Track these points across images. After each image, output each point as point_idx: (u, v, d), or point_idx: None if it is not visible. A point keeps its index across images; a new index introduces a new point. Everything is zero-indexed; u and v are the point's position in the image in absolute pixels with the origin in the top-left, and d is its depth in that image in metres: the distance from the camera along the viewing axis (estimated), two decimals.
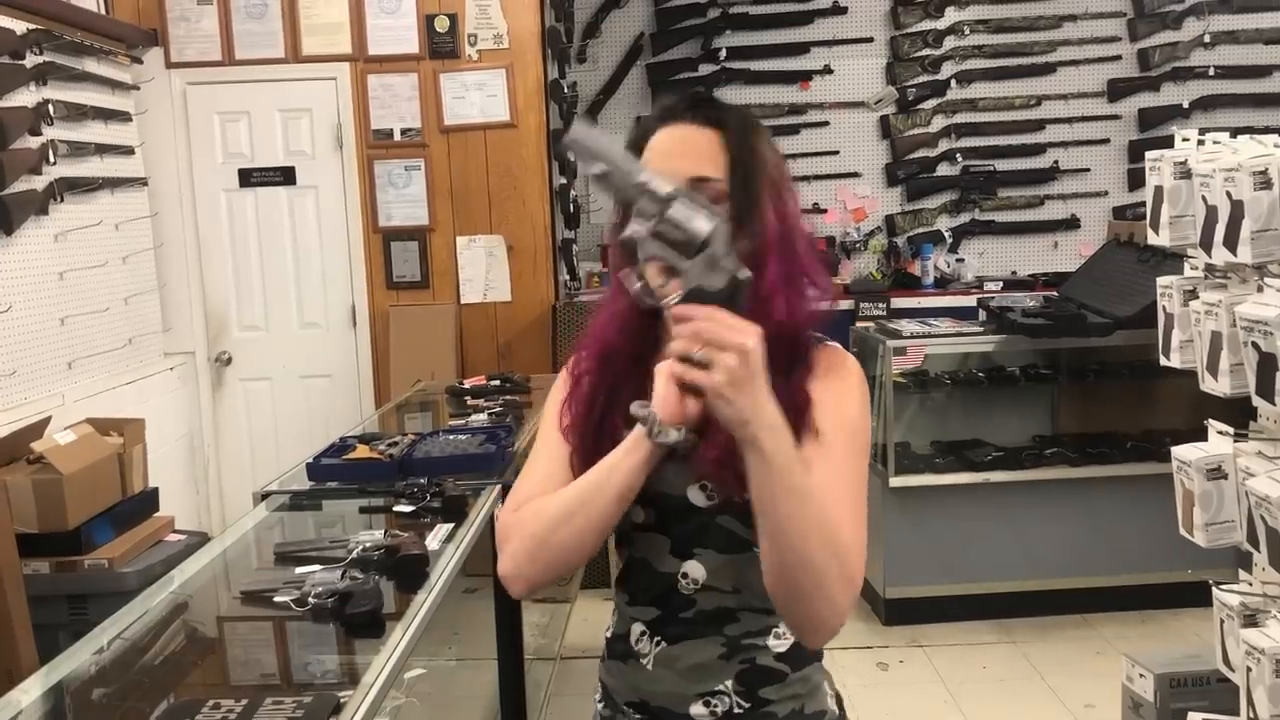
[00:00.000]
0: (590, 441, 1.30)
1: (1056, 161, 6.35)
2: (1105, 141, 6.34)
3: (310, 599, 1.95)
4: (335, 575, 2.03)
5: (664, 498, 1.28)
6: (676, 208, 1.13)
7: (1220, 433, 2.03)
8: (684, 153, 1.26)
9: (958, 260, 6.34)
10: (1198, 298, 2.00)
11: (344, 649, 1.95)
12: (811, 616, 1.16)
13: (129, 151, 4.62)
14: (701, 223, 1.12)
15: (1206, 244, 1.94)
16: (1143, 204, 6.25)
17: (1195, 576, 2.26)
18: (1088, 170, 6.36)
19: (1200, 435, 4.35)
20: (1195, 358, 2.04)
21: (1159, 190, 2.05)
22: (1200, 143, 2.03)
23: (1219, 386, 1.95)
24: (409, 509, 2.49)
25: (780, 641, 1.31)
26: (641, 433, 1.18)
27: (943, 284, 6.23)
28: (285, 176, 4.98)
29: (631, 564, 1.35)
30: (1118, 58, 6.29)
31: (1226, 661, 2.03)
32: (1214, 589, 2.02)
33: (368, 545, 2.15)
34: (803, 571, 1.13)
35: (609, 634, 1.42)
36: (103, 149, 4.38)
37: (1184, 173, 1.99)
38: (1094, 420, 4.55)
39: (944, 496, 4.29)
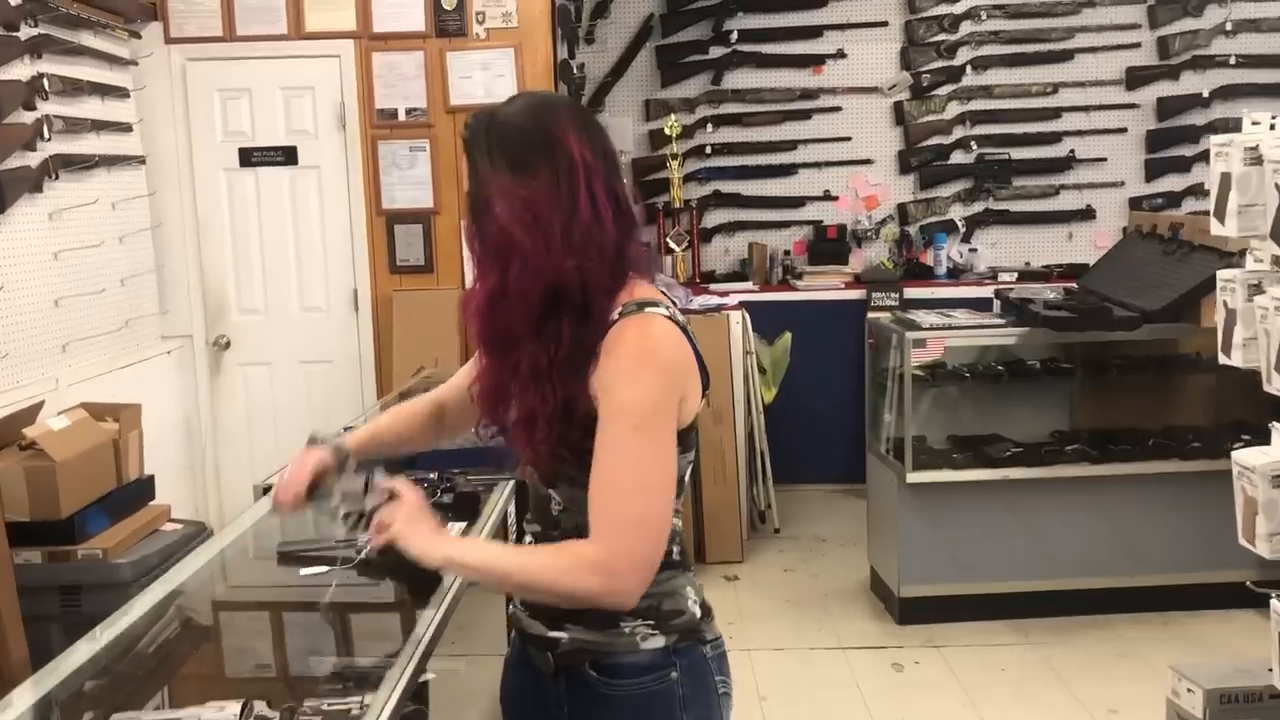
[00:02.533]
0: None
1: (1073, 150, 6.23)
2: (1123, 131, 6.22)
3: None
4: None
5: None
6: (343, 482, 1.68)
7: None
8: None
9: (971, 250, 6.23)
10: (1263, 292, 1.88)
11: (359, 653, 1.84)
12: (580, 605, 1.49)
13: (126, 128, 4.49)
14: (358, 482, 1.66)
15: (1279, 235, 1.82)
16: (1159, 195, 6.25)
17: (1253, 581, 2.14)
18: (1104, 160, 6.24)
19: (1225, 434, 4.25)
20: (1260, 356, 1.92)
21: (1226, 177, 1.93)
22: (1272, 126, 1.91)
23: None
24: None
25: None
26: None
27: (955, 274, 6.13)
28: (287, 156, 4.85)
29: (522, 485, 1.69)
30: (1137, 45, 6.17)
31: None
32: (1274, 600, 1.91)
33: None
34: (534, 598, 1.56)
35: None
36: (99, 125, 4.25)
37: (1255, 159, 1.87)
38: (1114, 416, 4.43)
39: (961, 493, 4.17)
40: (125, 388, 4.17)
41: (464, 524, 2.28)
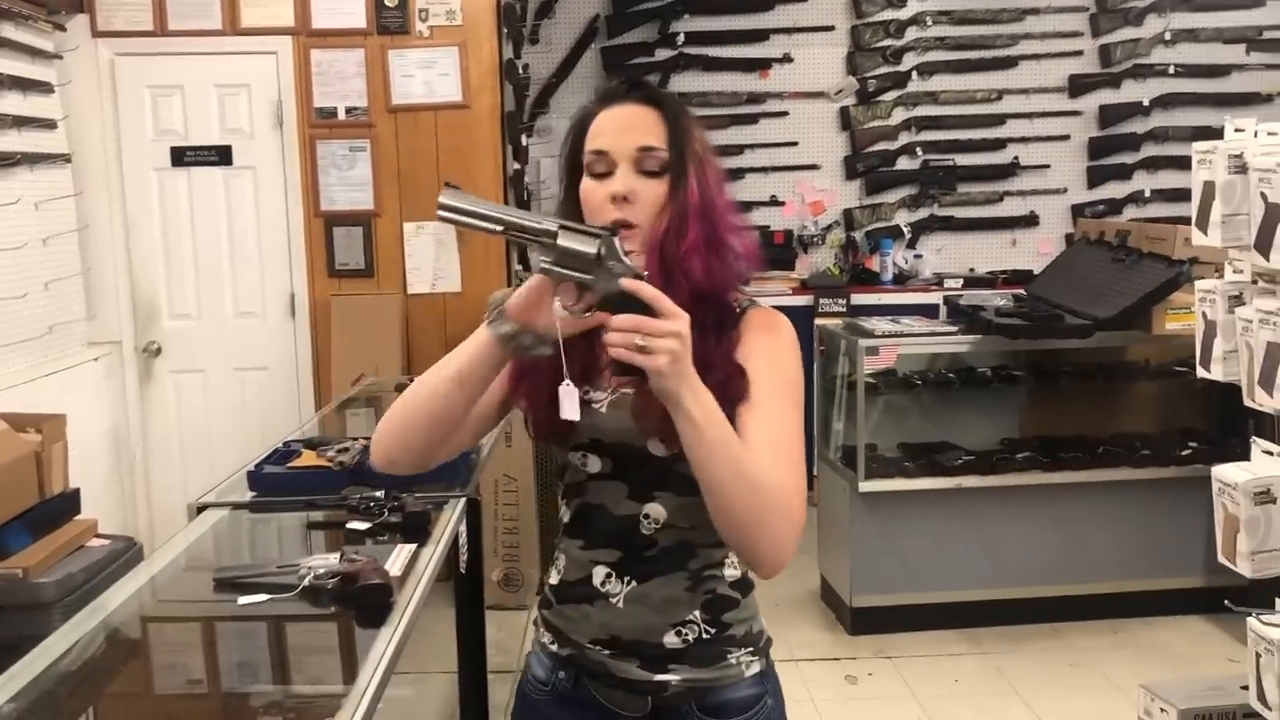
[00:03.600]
0: (543, 395, 1.42)
1: (1016, 157, 6.25)
2: (1065, 138, 6.25)
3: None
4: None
5: (624, 448, 1.44)
6: (564, 237, 1.27)
7: (1266, 452, 1.86)
8: (632, 127, 1.42)
9: (916, 256, 6.22)
10: (1244, 304, 1.84)
11: (305, 685, 1.72)
12: (758, 550, 1.34)
13: (50, 125, 4.29)
14: (589, 242, 1.27)
15: (1264, 246, 1.77)
16: (1101, 202, 6.30)
17: (1228, 602, 2.09)
18: (1047, 167, 6.27)
19: (1174, 441, 4.25)
20: (1240, 370, 1.87)
21: (1209, 186, 1.88)
22: (1256, 134, 1.86)
23: (1274, 402, 1.79)
24: (364, 526, 2.25)
25: (733, 570, 1.50)
26: (485, 321, 1.36)
27: (901, 280, 6.11)
28: (221, 156, 4.67)
29: (587, 511, 1.49)
30: (1079, 53, 6.22)
31: (1262, 698, 1.88)
32: (1251, 620, 1.86)
33: (321, 571, 1.91)
34: (740, 513, 1.30)
35: (555, 581, 1.54)
36: (21, 122, 4.05)
37: (1239, 167, 1.82)
38: (1064, 423, 4.41)
39: (913, 501, 4.14)
40: (49, 396, 3.99)
41: (414, 545, 2.16)
